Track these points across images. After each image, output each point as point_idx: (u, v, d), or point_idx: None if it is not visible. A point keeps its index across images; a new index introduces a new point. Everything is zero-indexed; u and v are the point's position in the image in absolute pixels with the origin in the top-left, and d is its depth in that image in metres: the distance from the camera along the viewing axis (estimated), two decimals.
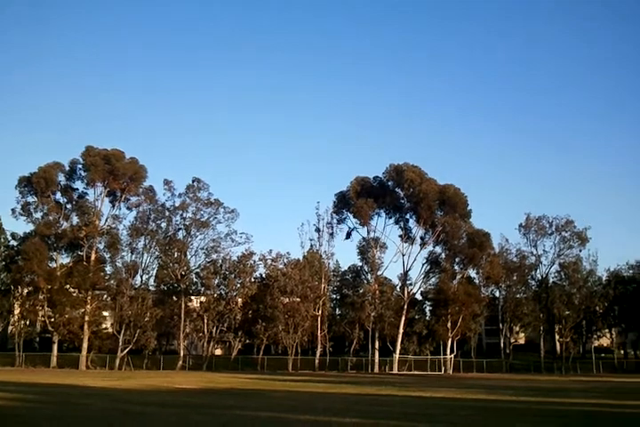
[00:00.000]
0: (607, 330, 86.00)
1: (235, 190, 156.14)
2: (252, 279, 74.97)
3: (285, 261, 75.65)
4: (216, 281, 73.61)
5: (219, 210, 72.62)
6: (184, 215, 72.94)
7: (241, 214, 74.32)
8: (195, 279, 75.42)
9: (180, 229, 73.39)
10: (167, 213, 72.95)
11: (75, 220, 71.67)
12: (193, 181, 73.05)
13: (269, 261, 75.36)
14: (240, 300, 74.11)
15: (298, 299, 72.35)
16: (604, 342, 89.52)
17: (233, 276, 73.24)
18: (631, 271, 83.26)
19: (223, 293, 73.92)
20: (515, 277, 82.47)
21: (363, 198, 74.94)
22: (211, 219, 72.64)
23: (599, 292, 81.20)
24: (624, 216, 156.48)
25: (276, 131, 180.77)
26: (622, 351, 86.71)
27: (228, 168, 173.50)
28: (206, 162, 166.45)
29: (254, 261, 74.85)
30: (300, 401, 23.11)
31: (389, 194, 76.93)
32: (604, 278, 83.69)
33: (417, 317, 78.90)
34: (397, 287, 79.89)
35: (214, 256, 73.55)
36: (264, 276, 75.99)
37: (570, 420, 16.80)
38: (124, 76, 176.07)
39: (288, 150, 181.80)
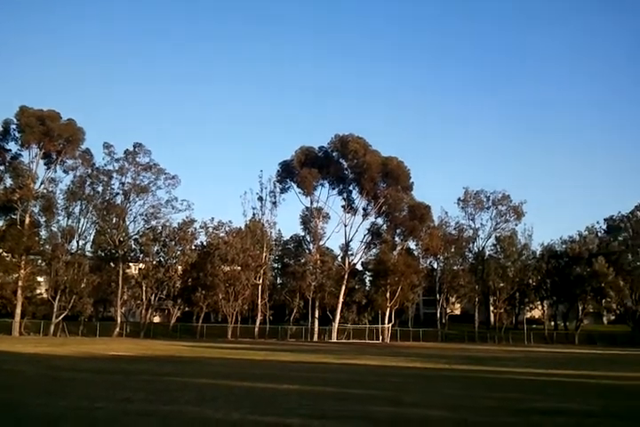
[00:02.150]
0: (539, 302, 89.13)
1: (177, 157, 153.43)
2: (193, 247, 74.23)
3: (227, 229, 75.23)
4: (155, 248, 72.64)
5: (159, 176, 71.12)
6: (123, 180, 71.22)
7: (183, 181, 73.29)
8: (133, 246, 74.14)
9: (119, 194, 71.69)
10: (105, 178, 70.99)
11: (8, 182, 68.96)
12: (134, 147, 71.20)
13: (211, 229, 74.80)
14: (180, 267, 73.33)
15: (239, 267, 72.08)
16: (536, 313, 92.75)
17: (173, 243, 72.30)
18: (564, 246, 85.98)
19: (162, 260, 73.01)
20: (453, 250, 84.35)
21: (307, 168, 74.65)
22: (151, 185, 71.12)
23: (532, 265, 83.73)
24: (559, 192, 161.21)
25: (221, 99, 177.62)
26: (552, 323, 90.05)
27: (170, 135, 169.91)
28: (149, 128, 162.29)
29: (195, 229, 74.22)
30: (237, 368, 23.04)
31: (333, 165, 76.87)
32: (537, 252, 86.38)
33: (357, 286, 79.86)
34: (339, 257, 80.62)
35: (154, 223, 72.38)
36: (205, 244, 75.34)
37: (496, 386, 17.24)
38: (65, 39, 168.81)
39: (232, 118, 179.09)
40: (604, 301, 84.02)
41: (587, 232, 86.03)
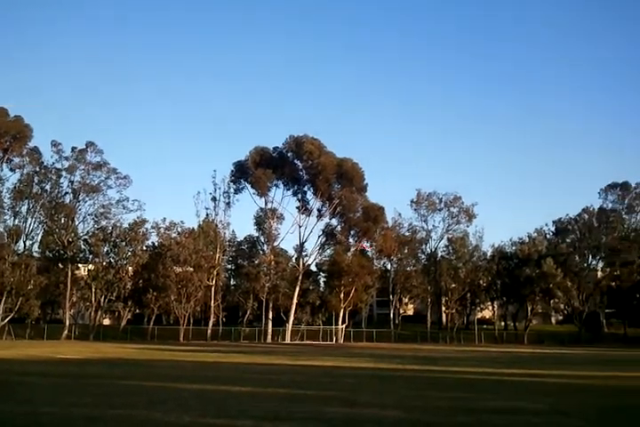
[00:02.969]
0: (489, 303, 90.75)
1: (129, 157, 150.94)
2: (144, 248, 73.08)
3: (179, 229, 74.29)
4: (105, 249, 71.20)
5: (110, 175, 69.85)
6: (72, 179, 69.63)
7: (135, 181, 72.02)
8: (83, 246, 72.55)
9: (68, 193, 70.11)
10: (53, 176, 69.28)
11: None
12: (86, 145, 69.71)
13: (162, 230, 73.70)
14: (130, 268, 72.10)
15: (191, 268, 71.27)
16: (487, 314, 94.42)
17: (124, 244, 70.99)
18: (513, 247, 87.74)
19: (113, 261, 71.62)
20: (406, 251, 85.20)
21: (261, 169, 74.32)
22: (101, 184, 69.81)
23: (483, 266, 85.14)
24: (509, 194, 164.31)
25: (175, 97, 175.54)
26: (502, 323, 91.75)
27: (122, 134, 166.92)
28: (100, 127, 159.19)
29: (146, 229, 73.04)
30: (188, 371, 22.70)
31: (288, 165, 76.74)
32: (488, 254, 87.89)
33: (311, 287, 79.92)
34: (293, 258, 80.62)
35: (104, 223, 71.08)
36: (156, 244, 74.25)
37: (449, 385, 17.39)
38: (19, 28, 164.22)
39: (186, 117, 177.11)
40: (552, 301, 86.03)
41: (536, 234, 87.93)
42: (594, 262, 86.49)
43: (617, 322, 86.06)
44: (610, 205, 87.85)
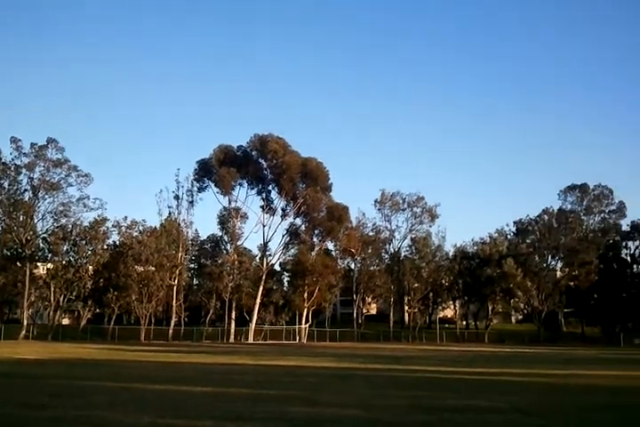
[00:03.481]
0: (451, 302, 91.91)
1: (90, 154, 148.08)
2: (105, 246, 71.86)
3: (141, 228, 73.12)
4: (65, 247, 69.72)
5: (71, 173, 68.43)
6: (31, 176, 68.10)
7: (96, 179, 70.61)
8: (41, 245, 70.92)
9: (27, 190, 68.51)
10: (12, 173, 67.65)
11: None
12: (47, 142, 68.24)
13: (124, 229, 72.53)
14: (91, 267, 70.77)
15: (153, 268, 70.37)
16: (448, 313, 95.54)
17: (84, 242, 69.70)
18: (475, 248, 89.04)
19: (72, 260, 70.21)
20: (369, 251, 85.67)
21: (225, 167, 73.79)
22: (61, 181, 68.40)
23: (446, 266, 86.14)
24: (472, 195, 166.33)
25: (138, 95, 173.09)
26: (464, 322, 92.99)
27: (84, 131, 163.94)
28: (62, 123, 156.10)
29: (107, 228, 71.68)
30: (149, 371, 22.47)
31: (253, 164, 76.42)
32: (450, 254, 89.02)
33: (275, 287, 79.76)
34: (257, 258, 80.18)
35: (64, 221, 69.45)
36: (117, 243, 73.14)
37: (409, 384, 17.55)
38: None
39: (150, 116, 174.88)
40: (512, 301, 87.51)
41: (497, 234, 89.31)
42: (553, 263, 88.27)
43: (575, 321, 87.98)
44: (569, 207, 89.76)
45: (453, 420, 10.06)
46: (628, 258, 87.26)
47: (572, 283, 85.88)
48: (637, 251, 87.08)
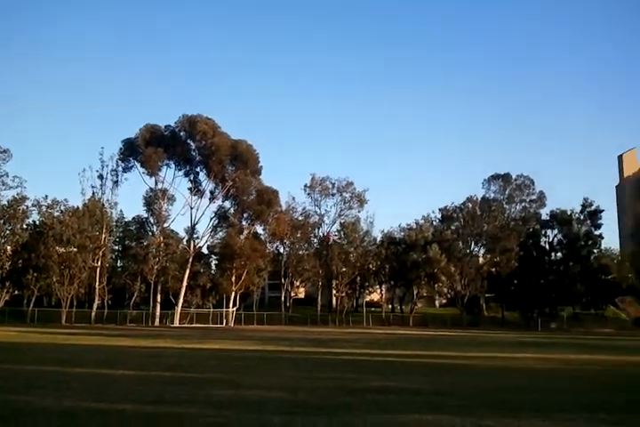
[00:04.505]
0: (378, 286, 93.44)
1: (9, 131, 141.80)
2: (24, 226, 69.16)
3: (63, 208, 70.74)
4: None
5: None
6: None
7: (15, 156, 67.62)
8: None
9: None
10: None
11: None
12: None
13: (44, 208, 70.01)
14: (9, 248, 68.03)
15: (75, 249, 68.39)
16: (375, 297, 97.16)
17: (2, 222, 66.86)
18: (402, 233, 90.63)
19: None
20: (299, 235, 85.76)
21: (152, 147, 71.95)
22: None
23: (373, 251, 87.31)
24: (400, 182, 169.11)
25: (66, 70, 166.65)
26: (390, 306, 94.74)
27: (4, 107, 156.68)
28: None
29: (27, 207, 68.93)
30: (70, 354, 21.86)
31: (180, 145, 74.83)
32: (378, 239, 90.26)
33: (202, 270, 78.77)
34: (184, 240, 78.99)
35: None
36: (38, 223, 70.56)
37: (335, 366, 17.74)
38: None
39: (75, 92, 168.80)
40: (436, 285, 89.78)
41: (423, 221, 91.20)
42: (476, 249, 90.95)
43: (495, 306, 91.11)
44: (492, 195, 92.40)
45: (376, 401, 10.21)
46: (547, 246, 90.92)
47: (493, 269, 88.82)
48: (555, 239, 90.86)
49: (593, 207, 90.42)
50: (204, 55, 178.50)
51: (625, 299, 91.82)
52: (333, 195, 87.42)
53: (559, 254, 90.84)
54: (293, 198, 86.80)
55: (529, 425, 8.19)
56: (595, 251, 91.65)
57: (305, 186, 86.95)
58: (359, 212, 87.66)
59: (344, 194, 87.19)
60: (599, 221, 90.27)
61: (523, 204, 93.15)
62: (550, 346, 33.59)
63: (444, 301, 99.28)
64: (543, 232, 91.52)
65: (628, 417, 8.86)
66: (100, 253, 70.72)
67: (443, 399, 10.76)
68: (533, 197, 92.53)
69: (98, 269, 70.43)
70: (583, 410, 9.47)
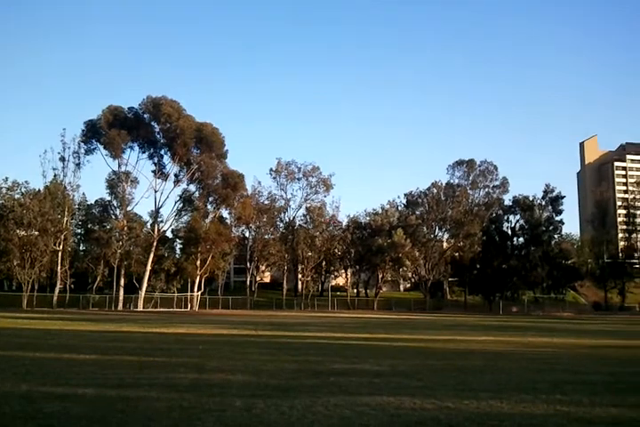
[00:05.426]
0: (343, 271, 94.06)
1: None
2: None
3: (23, 190, 69.68)
4: None
5: None
6: None
7: None
8: None
9: None
10: None
11: None
12: None
13: (4, 190, 68.81)
14: None
15: (36, 232, 67.33)
16: (340, 281, 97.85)
17: None
18: (367, 218, 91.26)
19: None
20: (265, 219, 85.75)
21: (115, 129, 70.87)
22: None
23: (339, 236, 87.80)
24: (366, 168, 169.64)
25: (28, 49, 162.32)
26: (355, 290, 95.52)
27: None
28: None
29: None
30: (30, 339, 21.50)
31: (144, 127, 73.82)
32: (343, 223, 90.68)
33: (166, 254, 78.26)
34: (148, 224, 78.32)
35: None
36: None
37: (299, 350, 17.84)
38: None
39: (35, 72, 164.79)
40: (401, 270, 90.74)
41: (388, 206, 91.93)
42: (440, 234, 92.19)
43: (458, 290, 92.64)
44: (456, 181, 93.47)
45: (338, 383, 10.30)
46: (509, 231, 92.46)
47: (456, 254, 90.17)
48: (518, 224, 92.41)
49: (554, 193, 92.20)
50: (167, 30, 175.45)
51: (584, 283, 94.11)
52: (299, 179, 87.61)
53: (521, 240, 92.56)
54: (259, 182, 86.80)
55: (487, 406, 8.33)
56: (555, 236, 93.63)
57: (270, 170, 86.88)
58: (325, 196, 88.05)
59: (310, 178, 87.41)
60: (560, 207, 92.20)
61: (486, 189, 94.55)
62: (511, 329, 34.22)
63: (409, 285, 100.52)
64: (506, 218, 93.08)
65: (585, 398, 9.08)
66: (62, 236, 69.72)
67: (404, 381, 10.90)
68: (497, 182, 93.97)
69: (60, 253, 69.49)
70: (541, 391, 9.68)
